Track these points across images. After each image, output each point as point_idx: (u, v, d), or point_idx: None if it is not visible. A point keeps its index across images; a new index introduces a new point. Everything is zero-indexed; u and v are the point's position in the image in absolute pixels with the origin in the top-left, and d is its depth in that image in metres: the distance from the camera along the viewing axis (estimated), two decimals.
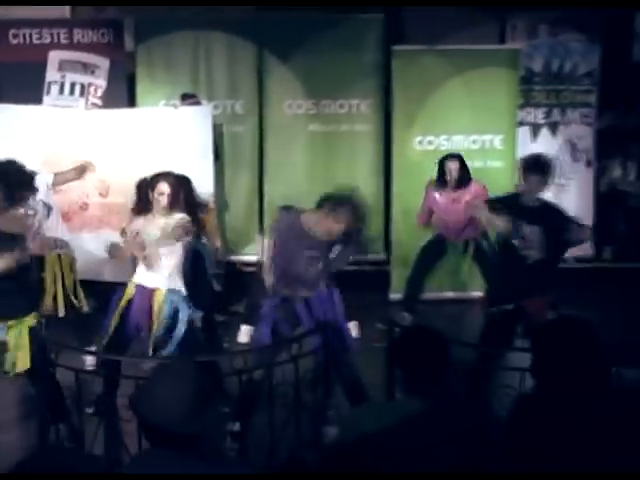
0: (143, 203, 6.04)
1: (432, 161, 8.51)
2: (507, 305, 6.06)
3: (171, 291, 5.93)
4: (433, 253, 7.97)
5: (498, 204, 6.43)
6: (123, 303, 5.91)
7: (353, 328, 7.38)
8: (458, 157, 7.81)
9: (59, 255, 6.72)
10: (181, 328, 5.82)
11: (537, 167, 6.14)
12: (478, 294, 7.85)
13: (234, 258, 8.89)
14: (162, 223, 5.88)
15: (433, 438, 3.39)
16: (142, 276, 5.96)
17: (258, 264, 7.77)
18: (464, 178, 7.78)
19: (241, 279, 8.54)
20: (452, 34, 9.00)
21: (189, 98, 8.39)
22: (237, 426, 5.60)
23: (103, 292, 7.20)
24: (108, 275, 7.80)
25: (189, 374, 3.14)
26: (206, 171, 7.72)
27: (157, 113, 8.33)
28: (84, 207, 7.93)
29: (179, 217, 5.91)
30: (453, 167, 7.73)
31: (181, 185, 6.04)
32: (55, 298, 6.73)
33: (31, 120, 7.82)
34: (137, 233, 5.86)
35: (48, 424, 5.04)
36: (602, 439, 3.34)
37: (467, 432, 3.44)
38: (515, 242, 6.06)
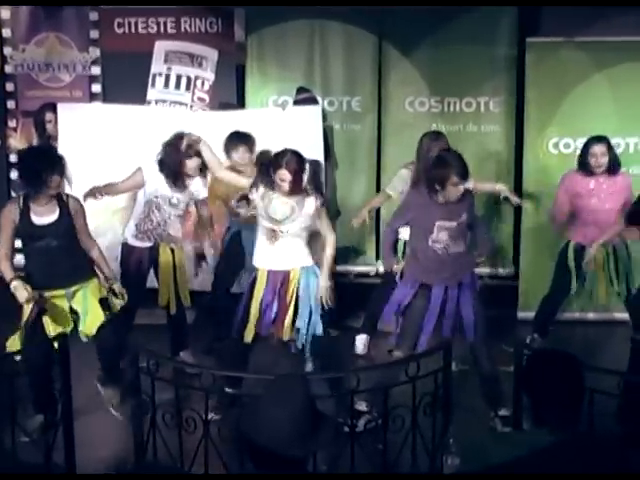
0: (265, 181, 6.30)
1: (569, 166, 8.44)
2: None
3: (304, 268, 6.39)
4: (571, 266, 7.62)
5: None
6: (258, 290, 6.35)
7: (360, 343, 7.57)
8: (605, 140, 7.54)
9: (172, 250, 7.00)
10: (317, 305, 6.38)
11: None
12: (623, 315, 7.73)
13: (345, 269, 8.95)
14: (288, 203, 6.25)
15: (564, 474, 3.37)
16: (269, 260, 6.37)
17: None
18: (614, 164, 7.52)
19: (354, 291, 8.58)
20: (594, 24, 8.85)
21: (304, 92, 8.50)
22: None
23: None
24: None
25: (302, 392, 3.20)
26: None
27: (263, 114, 8.49)
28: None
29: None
30: (599, 151, 7.44)
31: (303, 171, 6.25)
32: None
33: (136, 120, 8.04)
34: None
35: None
36: None
37: (603, 470, 3.41)
38: None
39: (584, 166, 7.50)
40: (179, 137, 6.90)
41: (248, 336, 6.37)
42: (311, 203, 6.28)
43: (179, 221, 7.18)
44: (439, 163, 6.17)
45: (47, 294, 6.06)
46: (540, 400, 3.55)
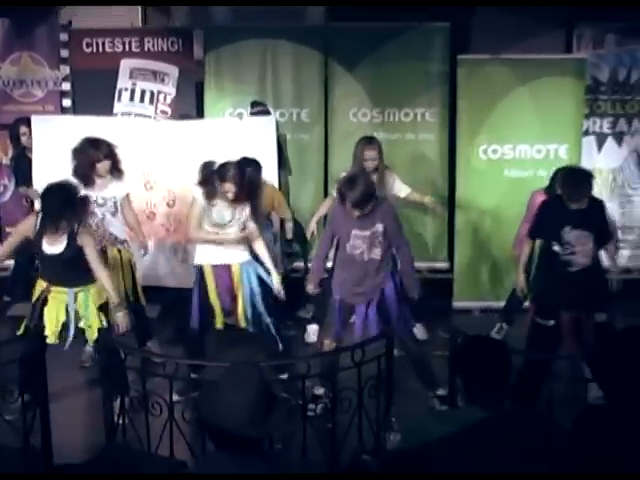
0: (210, 190, 6.33)
1: (496, 170, 8.54)
2: (548, 319, 5.98)
3: (245, 263, 6.45)
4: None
5: (539, 215, 6.34)
6: (210, 284, 6.40)
7: (311, 332, 7.82)
8: None
9: (119, 250, 6.94)
10: (264, 296, 6.45)
11: (584, 189, 5.91)
12: None
13: (297, 265, 8.95)
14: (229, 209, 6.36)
15: (494, 447, 3.40)
16: (211, 255, 6.42)
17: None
18: None
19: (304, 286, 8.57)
20: (518, 43, 8.95)
21: (258, 106, 8.49)
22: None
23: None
24: (171, 282, 7.98)
25: (256, 378, 3.19)
26: (271, 179, 7.84)
27: (222, 124, 8.47)
28: (151, 216, 8.09)
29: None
30: None
31: (245, 180, 6.34)
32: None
33: (103, 130, 7.95)
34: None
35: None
36: None
37: (528, 442, 3.44)
38: (556, 249, 5.97)
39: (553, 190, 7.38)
40: (87, 141, 6.85)
41: (218, 322, 6.44)
42: (246, 208, 6.40)
43: (119, 221, 7.06)
44: (342, 182, 6.07)
45: (52, 288, 6.01)
46: (472, 381, 3.57)
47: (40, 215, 5.95)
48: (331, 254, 6.60)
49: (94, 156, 6.80)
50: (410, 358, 6.35)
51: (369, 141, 7.44)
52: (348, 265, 6.16)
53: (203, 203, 6.35)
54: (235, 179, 6.23)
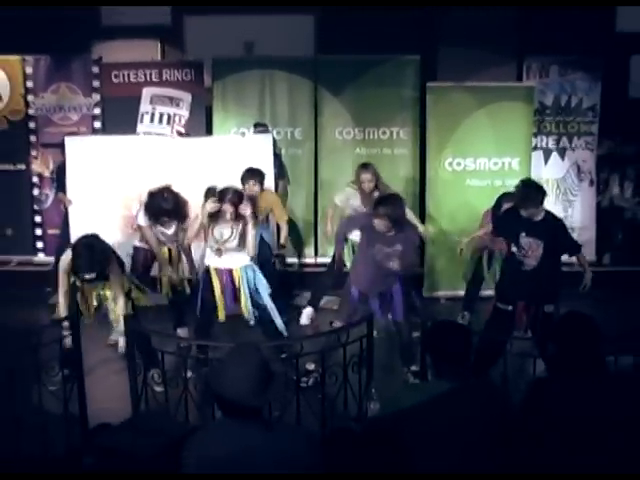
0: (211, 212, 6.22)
1: (460, 180, 8.57)
2: (506, 305, 6.01)
3: (245, 267, 6.31)
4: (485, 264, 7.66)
5: (499, 224, 6.36)
6: (215, 282, 6.29)
7: (305, 316, 7.72)
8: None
9: (169, 249, 7.03)
10: (264, 294, 6.33)
11: (533, 200, 5.83)
12: None
13: (293, 260, 9.00)
14: (228, 227, 6.22)
15: (458, 413, 3.42)
16: (216, 260, 6.30)
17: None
18: None
19: (299, 277, 8.61)
20: (477, 73, 9.03)
21: (260, 126, 8.51)
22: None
23: None
24: None
25: (256, 356, 3.21)
26: (269, 186, 7.84)
27: (228, 141, 8.49)
28: None
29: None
30: (506, 206, 6.85)
31: (242, 203, 6.21)
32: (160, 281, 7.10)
33: (128, 148, 8.01)
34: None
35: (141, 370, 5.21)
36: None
37: (486, 408, 3.47)
38: (514, 249, 5.98)
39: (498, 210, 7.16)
40: (162, 191, 6.83)
41: (221, 315, 6.34)
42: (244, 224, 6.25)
43: (174, 231, 7.05)
44: (378, 201, 6.05)
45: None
46: (440, 358, 3.60)
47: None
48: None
49: (162, 207, 6.79)
50: (400, 339, 6.36)
51: (364, 166, 7.45)
52: (368, 265, 6.12)
53: (205, 222, 6.25)
54: (232, 200, 6.14)
